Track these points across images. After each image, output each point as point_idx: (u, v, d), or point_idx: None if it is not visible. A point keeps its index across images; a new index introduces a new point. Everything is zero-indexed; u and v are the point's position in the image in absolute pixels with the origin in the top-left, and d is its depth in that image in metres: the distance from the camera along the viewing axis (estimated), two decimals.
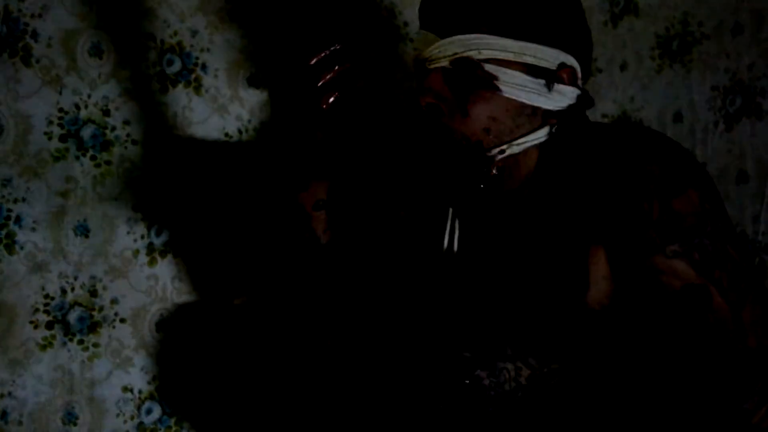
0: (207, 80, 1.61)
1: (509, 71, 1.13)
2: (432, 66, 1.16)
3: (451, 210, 1.25)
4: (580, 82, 1.19)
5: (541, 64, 1.14)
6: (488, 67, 1.13)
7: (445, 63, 1.15)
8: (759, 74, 1.92)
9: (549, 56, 1.14)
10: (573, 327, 1.10)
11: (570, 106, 1.17)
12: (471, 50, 1.13)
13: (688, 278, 1.07)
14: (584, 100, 1.19)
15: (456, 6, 1.16)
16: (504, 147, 1.15)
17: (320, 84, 1.15)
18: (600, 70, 1.92)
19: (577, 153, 1.16)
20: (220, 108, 1.63)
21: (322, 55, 1.15)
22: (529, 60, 1.13)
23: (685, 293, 1.07)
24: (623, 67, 1.90)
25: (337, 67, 1.15)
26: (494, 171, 1.17)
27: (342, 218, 1.31)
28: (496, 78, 1.13)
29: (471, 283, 1.20)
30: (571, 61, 1.16)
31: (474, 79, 1.13)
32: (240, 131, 1.64)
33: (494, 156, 1.16)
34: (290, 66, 1.20)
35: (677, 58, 1.87)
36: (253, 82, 1.64)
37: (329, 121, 1.19)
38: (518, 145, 1.16)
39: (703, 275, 1.07)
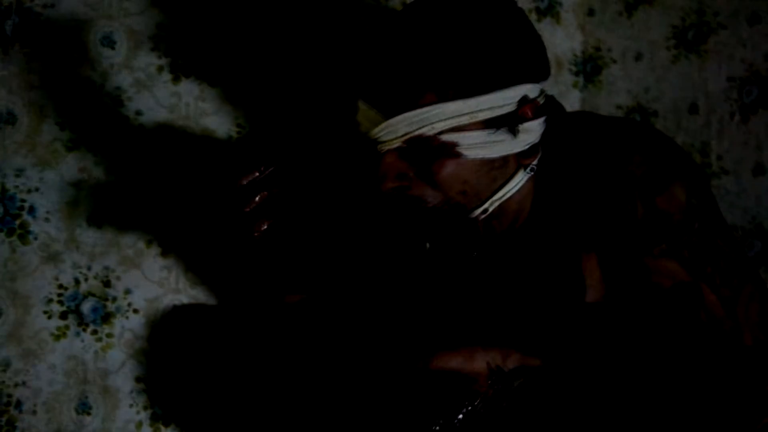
0: (220, 71, 1.61)
1: (468, 134, 1.04)
2: (384, 149, 1.06)
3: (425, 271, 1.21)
4: (542, 100, 1.09)
5: (499, 114, 1.05)
6: (445, 136, 1.03)
7: (397, 144, 1.05)
8: None
9: (506, 99, 1.05)
10: (571, 324, 1.09)
11: (543, 134, 1.10)
12: (423, 127, 1.03)
13: (679, 277, 1.04)
14: (553, 122, 1.10)
15: (397, 79, 1.03)
16: (486, 206, 1.10)
17: (248, 209, 1.04)
18: (614, 61, 1.91)
19: (565, 173, 1.10)
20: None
21: (254, 175, 1.04)
22: (487, 115, 1.04)
23: (675, 292, 1.04)
24: (638, 57, 1.88)
25: (266, 192, 1.04)
26: (481, 230, 1.13)
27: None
28: (455, 145, 1.04)
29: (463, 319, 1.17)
30: (530, 89, 1.07)
31: (433, 151, 1.05)
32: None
33: (477, 217, 1.11)
34: (217, 184, 1.10)
35: (693, 49, 1.85)
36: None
37: (264, 249, 1.08)
38: (499, 198, 1.10)
39: (693, 273, 1.04)
